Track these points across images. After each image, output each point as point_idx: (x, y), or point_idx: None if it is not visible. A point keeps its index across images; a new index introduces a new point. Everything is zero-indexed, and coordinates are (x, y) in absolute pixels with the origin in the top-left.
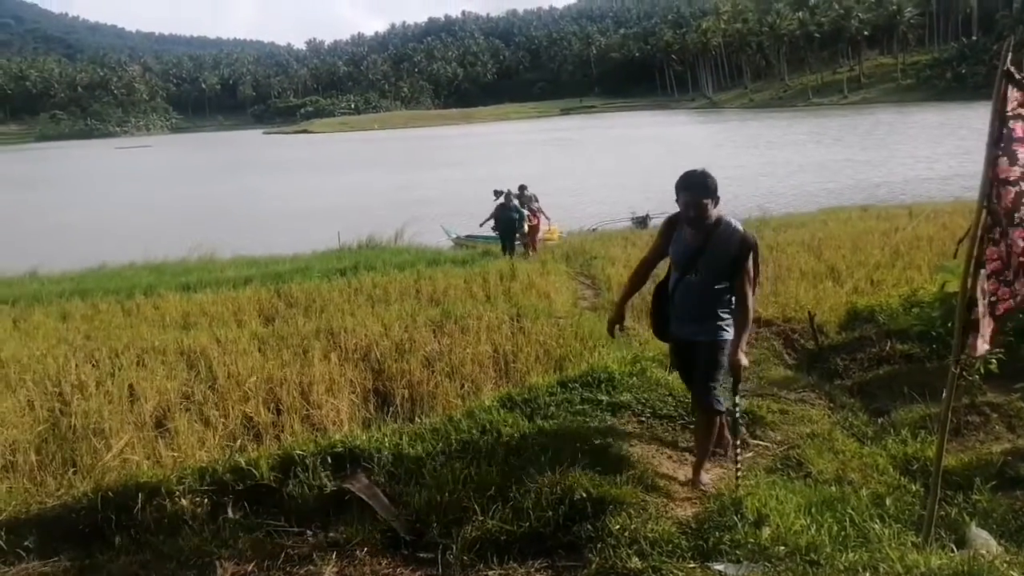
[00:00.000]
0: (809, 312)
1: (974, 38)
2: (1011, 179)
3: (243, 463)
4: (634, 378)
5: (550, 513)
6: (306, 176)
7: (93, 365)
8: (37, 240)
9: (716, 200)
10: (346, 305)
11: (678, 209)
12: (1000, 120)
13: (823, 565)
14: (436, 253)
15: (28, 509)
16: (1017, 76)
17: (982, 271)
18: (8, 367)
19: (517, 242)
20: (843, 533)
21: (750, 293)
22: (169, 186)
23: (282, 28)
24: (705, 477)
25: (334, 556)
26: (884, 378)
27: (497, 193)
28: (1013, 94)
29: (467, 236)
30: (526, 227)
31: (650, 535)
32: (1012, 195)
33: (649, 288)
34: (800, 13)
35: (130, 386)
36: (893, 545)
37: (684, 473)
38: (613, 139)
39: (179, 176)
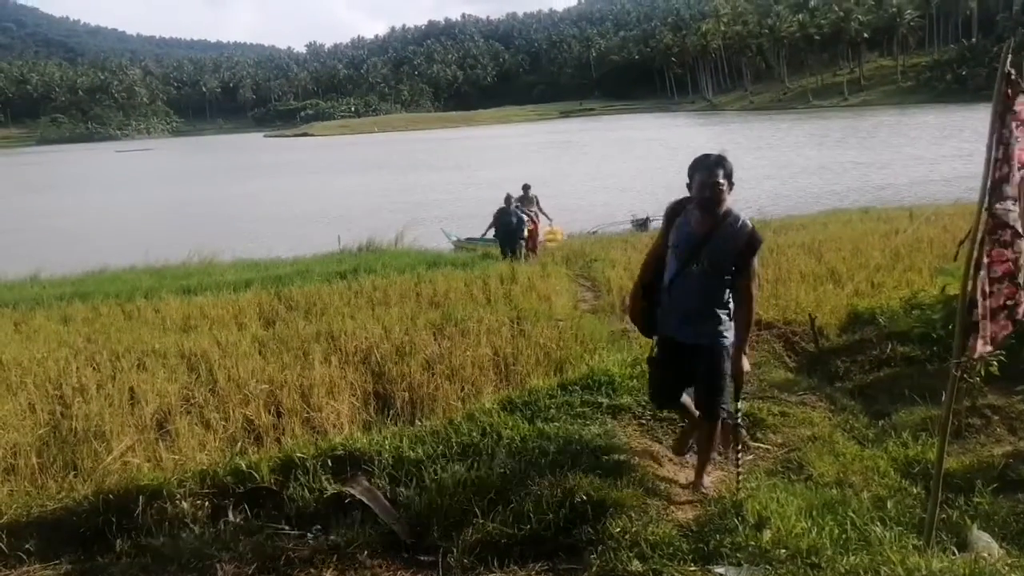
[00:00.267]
0: (809, 314)
1: (974, 40)
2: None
3: (244, 466)
4: (635, 381)
5: (551, 516)
6: (306, 179)
7: (94, 368)
8: (38, 244)
9: (731, 185)
10: (346, 308)
11: (687, 195)
12: (1001, 122)
13: (824, 568)
14: (436, 256)
15: (29, 512)
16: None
17: (985, 273)
18: (9, 370)
19: (519, 246)
20: (844, 536)
21: (756, 294)
22: (170, 189)
23: (282, 31)
24: (706, 480)
25: (335, 559)
26: (885, 380)
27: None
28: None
29: (467, 239)
30: (526, 231)
31: (651, 538)
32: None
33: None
34: (800, 15)
35: (131, 389)
36: (894, 548)
37: (685, 476)
38: (614, 141)
39: (179, 179)
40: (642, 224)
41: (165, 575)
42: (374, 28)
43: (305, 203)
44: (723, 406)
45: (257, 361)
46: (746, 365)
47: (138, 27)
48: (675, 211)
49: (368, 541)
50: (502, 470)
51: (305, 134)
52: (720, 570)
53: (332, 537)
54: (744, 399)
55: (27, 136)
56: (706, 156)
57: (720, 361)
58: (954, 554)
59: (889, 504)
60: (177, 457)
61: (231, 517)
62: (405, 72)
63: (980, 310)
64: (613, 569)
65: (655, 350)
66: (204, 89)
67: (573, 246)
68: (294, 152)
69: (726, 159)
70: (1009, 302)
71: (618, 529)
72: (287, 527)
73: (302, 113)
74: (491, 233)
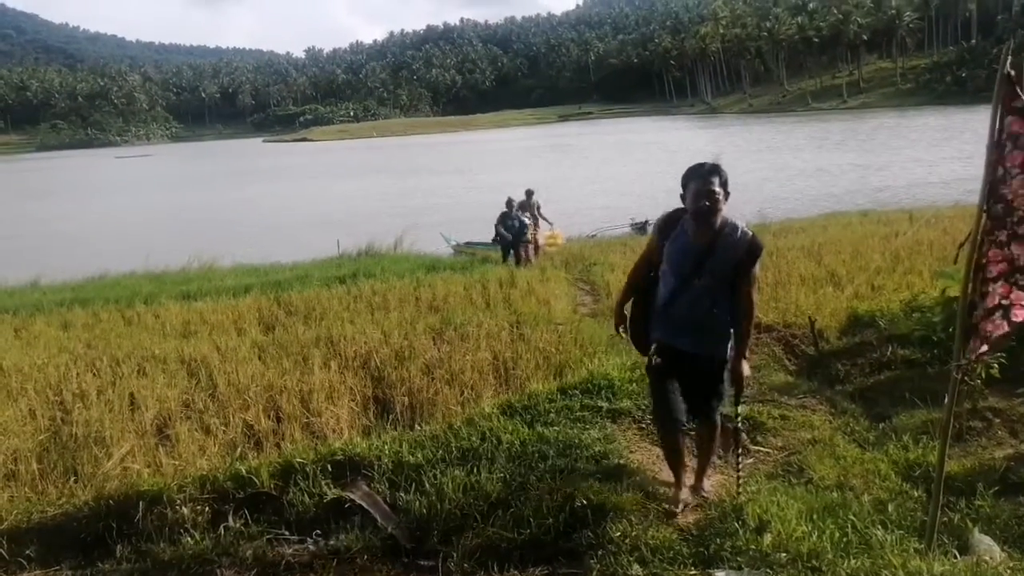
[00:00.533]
0: (809, 317)
1: (973, 42)
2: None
3: (244, 471)
4: (634, 384)
5: (550, 520)
6: (305, 184)
7: (94, 374)
8: (38, 250)
9: (727, 194)
10: (346, 313)
11: (682, 206)
12: (1000, 124)
13: (825, 572)
14: (435, 260)
15: (30, 518)
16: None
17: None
18: (9, 376)
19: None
20: (845, 539)
21: (756, 300)
22: (169, 195)
23: (281, 37)
24: (707, 483)
25: (335, 564)
26: (885, 383)
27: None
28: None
29: (466, 243)
30: (529, 235)
31: (651, 542)
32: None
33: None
34: (799, 18)
35: (131, 394)
36: (895, 551)
37: (685, 479)
38: (613, 145)
39: (179, 185)
40: (641, 227)
41: None
42: (373, 33)
43: (304, 208)
44: (719, 410)
45: (257, 366)
46: (746, 370)
47: (137, 33)
48: (669, 223)
49: (368, 546)
50: (502, 475)
51: (304, 139)
52: (721, 574)
53: (332, 542)
54: (744, 402)
55: (27, 142)
56: (700, 165)
57: (721, 371)
58: (955, 557)
59: (890, 507)
60: (177, 462)
61: (231, 522)
62: (404, 77)
63: (980, 312)
64: (613, 573)
65: (655, 358)
66: (203, 95)
67: (572, 250)
68: (293, 157)
69: (721, 167)
70: (1004, 302)
71: (618, 533)
72: (287, 532)
73: (301, 118)
74: (493, 237)
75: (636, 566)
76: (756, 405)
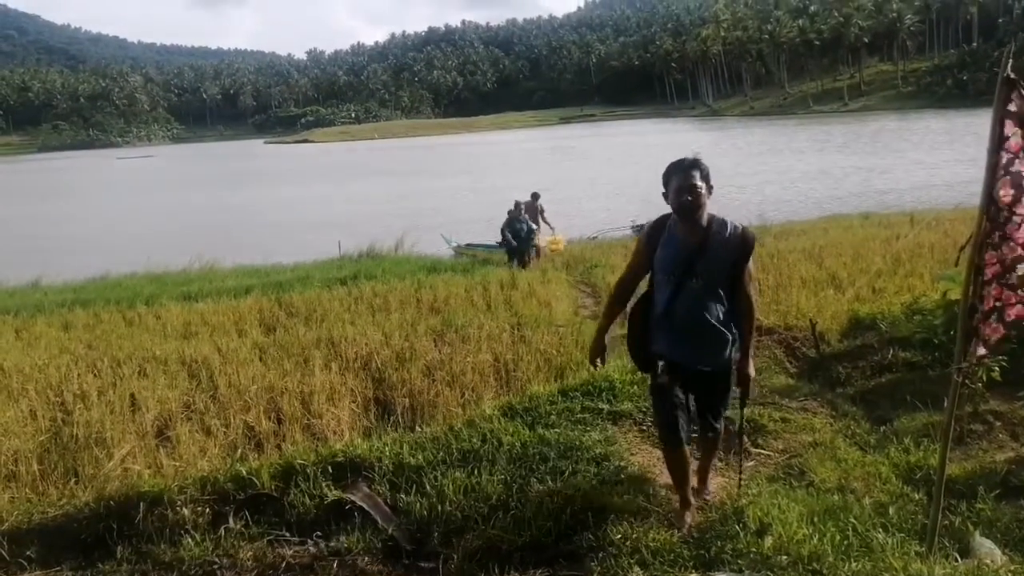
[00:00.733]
0: (811, 320)
1: (975, 45)
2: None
3: (244, 472)
4: (635, 387)
5: (551, 522)
6: (305, 185)
7: (95, 375)
8: (39, 251)
9: (710, 187)
10: (347, 314)
11: (668, 208)
12: (1001, 126)
13: (826, 575)
14: (436, 262)
15: (30, 518)
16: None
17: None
18: (10, 377)
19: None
20: (846, 542)
21: (755, 297)
22: (171, 196)
23: (283, 38)
24: (711, 485)
25: (335, 565)
26: (886, 386)
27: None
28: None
29: (467, 244)
30: (536, 239)
31: (651, 544)
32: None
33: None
34: (800, 21)
35: (131, 395)
36: (896, 554)
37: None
38: (615, 147)
39: (180, 186)
40: (642, 229)
41: None
42: (374, 35)
43: (304, 209)
44: (724, 417)
45: (258, 367)
46: (752, 371)
47: (139, 34)
48: (657, 229)
49: (368, 547)
50: (503, 476)
51: (305, 140)
52: None
53: (332, 544)
54: (746, 405)
55: (28, 143)
56: (680, 160)
57: (727, 383)
58: (956, 561)
59: (891, 510)
60: (178, 464)
61: (232, 524)
62: (405, 78)
63: (980, 314)
64: (614, 575)
65: (662, 376)
66: (205, 96)
67: (573, 252)
68: (294, 159)
69: (701, 161)
70: (998, 303)
71: (619, 535)
72: (288, 534)
73: (302, 120)
74: (498, 240)
75: (637, 568)
76: (757, 408)
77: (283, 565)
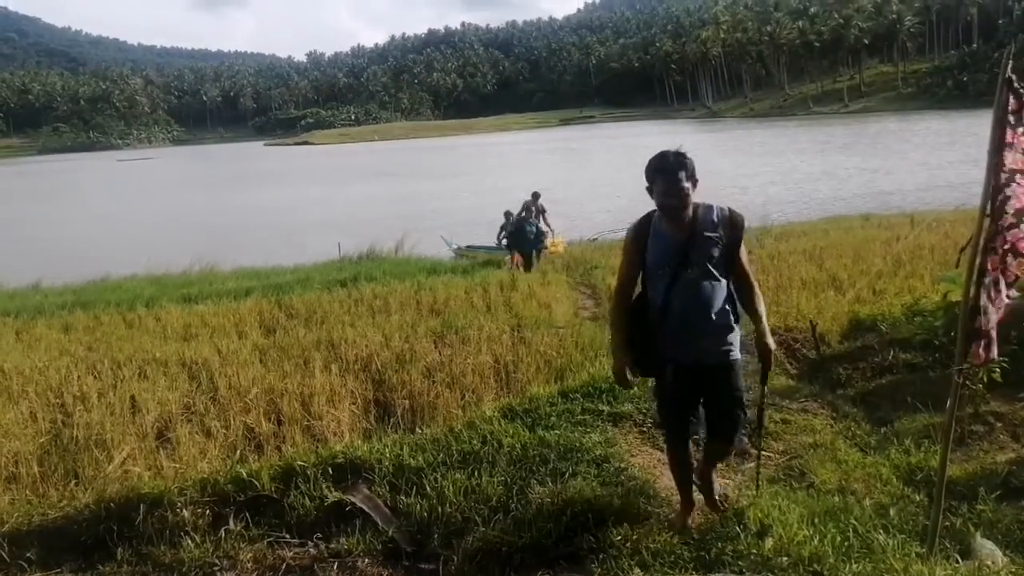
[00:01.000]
0: (811, 321)
1: (975, 46)
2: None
3: (244, 474)
4: (635, 388)
5: (551, 524)
6: (306, 187)
7: (95, 376)
8: (39, 253)
9: (695, 183)
10: (347, 316)
11: (648, 211)
12: (1001, 127)
13: None
14: (436, 263)
15: (30, 520)
16: (1017, 84)
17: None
18: (11, 379)
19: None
20: (846, 543)
21: (752, 274)
22: (171, 198)
23: (283, 40)
24: (717, 485)
25: (335, 567)
26: (887, 387)
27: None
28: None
29: (467, 246)
30: (546, 240)
31: (652, 546)
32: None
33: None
34: (800, 22)
35: (132, 397)
36: (897, 556)
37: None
38: (615, 148)
39: (180, 188)
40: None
41: None
42: (374, 37)
43: (304, 211)
44: (742, 432)
45: (258, 369)
46: (771, 343)
47: (139, 37)
48: (641, 230)
49: (369, 549)
50: (503, 478)
51: (305, 142)
52: None
53: (333, 545)
54: (746, 406)
55: (29, 145)
56: (663, 157)
57: (736, 379)
58: (957, 562)
59: (892, 511)
60: (178, 465)
61: (232, 525)
62: (405, 80)
63: (984, 318)
64: None
65: (672, 379)
66: (205, 98)
67: (573, 253)
68: (294, 160)
69: (685, 158)
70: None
71: (619, 537)
72: (288, 535)
73: (302, 122)
74: (504, 241)
75: (637, 570)
76: (756, 408)
77: (283, 567)
